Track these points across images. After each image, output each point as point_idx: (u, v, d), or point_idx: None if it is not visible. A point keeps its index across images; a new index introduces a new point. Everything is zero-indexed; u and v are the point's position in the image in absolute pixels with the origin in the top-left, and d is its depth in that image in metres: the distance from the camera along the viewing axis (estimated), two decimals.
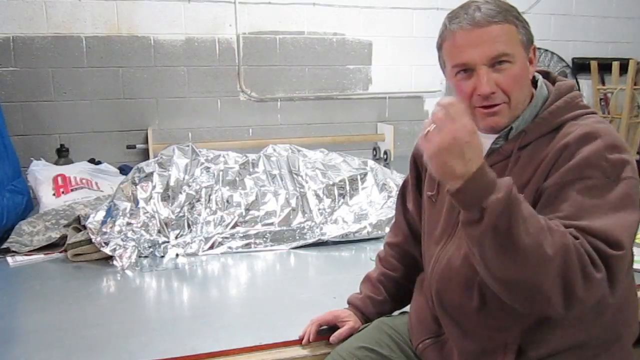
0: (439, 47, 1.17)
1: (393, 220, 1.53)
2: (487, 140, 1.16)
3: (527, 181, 1.06)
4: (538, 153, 1.07)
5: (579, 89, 1.17)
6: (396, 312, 1.47)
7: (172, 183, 2.35)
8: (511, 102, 1.09)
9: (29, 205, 2.75)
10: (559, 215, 0.97)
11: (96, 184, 2.87)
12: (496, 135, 1.13)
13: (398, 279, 1.44)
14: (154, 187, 2.32)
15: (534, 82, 1.16)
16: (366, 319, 1.42)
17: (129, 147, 3.56)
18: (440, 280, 1.18)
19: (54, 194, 2.70)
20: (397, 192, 1.50)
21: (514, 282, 0.93)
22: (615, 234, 0.95)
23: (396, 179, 2.72)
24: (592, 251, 0.93)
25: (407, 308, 1.43)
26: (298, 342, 1.48)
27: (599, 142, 1.01)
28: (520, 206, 0.91)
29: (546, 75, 1.19)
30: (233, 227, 2.32)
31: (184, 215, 2.30)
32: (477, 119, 1.11)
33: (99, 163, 3.25)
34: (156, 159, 2.48)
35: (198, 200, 2.34)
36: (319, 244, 2.35)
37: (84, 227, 2.21)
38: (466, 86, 1.10)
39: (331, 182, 2.53)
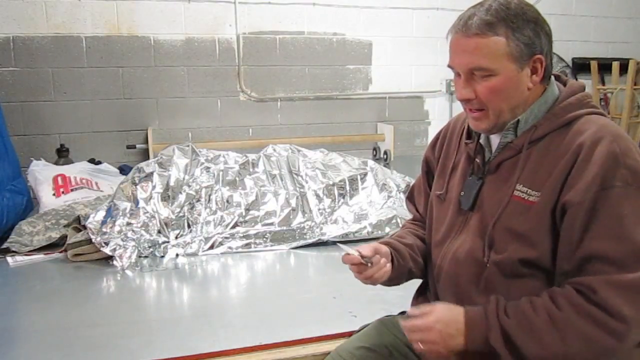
0: None
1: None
2: (496, 137, 1.17)
3: (544, 180, 1.06)
4: (552, 149, 1.08)
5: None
6: (396, 312, 1.47)
7: (172, 183, 2.35)
8: (489, 111, 1.11)
9: (29, 205, 2.75)
10: (584, 240, 1.00)
11: (96, 184, 2.87)
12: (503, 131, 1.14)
13: (419, 233, 1.38)
14: (154, 187, 2.32)
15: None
16: (396, 255, 1.29)
17: (129, 147, 3.56)
18: (446, 275, 1.19)
19: (54, 194, 2.70)
20: (405, 199, 1.49)
21: None
22: (635, 252, 0.97)
23: (396, 179, 2.72)
24: (608, 298, 0.96)
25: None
26: (298, 342, 1.48)
27: (615, 146, 1.02)
28: (515, 326, 1.02)
29: (557, 78, 1.20)
30: (233, 227, 2.32)
31: (184, 215, 2.30)
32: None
33: (99, 163, 3.25)
34: (156, 159, 2.48)
35: (198, 200, 2.34)
36: (319, 244, 2.35)
37: (84, 227, 2.22)
38: (456, 85, 1.15)
39: (331, 182, 2.53)
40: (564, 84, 1.18)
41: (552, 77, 1.17)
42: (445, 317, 1.07)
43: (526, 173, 1.09)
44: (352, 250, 1.15)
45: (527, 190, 1.08)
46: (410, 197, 1.47)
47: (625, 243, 0.98)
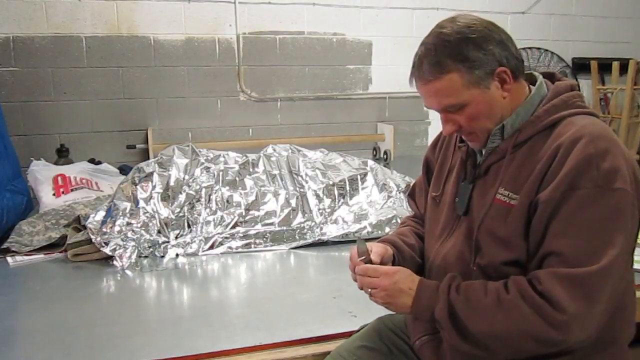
0: None
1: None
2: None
3: (524, 183, 1.06)
4: (534, 153, 1.08)
5: (579, 89, 1.16)
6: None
7: (172, 183, 2.35)
8: (477, 132, 1.14)
9: (29, 205, 2.75)
10: (545, 237, 1.02)
11: (96, 184, 2.87)
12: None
13: (420, 232, 1.39)
14: (154, 187, 2.32)
15: (533, 82, 1.17)
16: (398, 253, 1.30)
17: (129, 147, 3.56)
18: (437, 276, 1.19)
19: (54, 194, 2.70)
20: (407, 196, 1.51)
21: (496, 352, 1.05)
22: (589, 250, 0.98)
23: (396, 179, 2.72)
24: (551, 289, 0.98)
25: None
26: (298, 342, 1.48)
27: (591, 147, 1.00)
28: (462, 302, 1.06)
29: (551, 76, 1.20)
30: (233, 227, 2.32)
31: (184, 215, 2.30)
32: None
33: (99, 163, 3.25)
34: (156, 159, 2.47)
35: (198, 200, 2.34)
36: (319, 244, 2.35)
37: (84, 227, 2.22)
38: (440, 120, 1.18)
39: (331, 182, 2.53)
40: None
41: (541, 78, 1.17)
42: (401, 278, 1.13)
43: (508, 176, 1.10)
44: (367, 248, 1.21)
45: (508, 194, 1.08)
46: (412, 195, 1.48)
47: (583, 243, 0.98)
